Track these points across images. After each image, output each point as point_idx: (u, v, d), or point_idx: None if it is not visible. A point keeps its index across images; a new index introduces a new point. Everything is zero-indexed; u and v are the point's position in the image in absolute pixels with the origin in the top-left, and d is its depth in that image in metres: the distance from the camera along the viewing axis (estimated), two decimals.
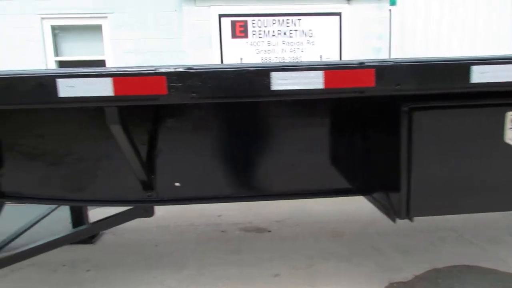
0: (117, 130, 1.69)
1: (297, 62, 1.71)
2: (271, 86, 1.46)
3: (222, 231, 3.78)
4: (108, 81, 1.43)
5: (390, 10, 7.07)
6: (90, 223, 2.20)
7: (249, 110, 2.04)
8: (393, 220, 1.91)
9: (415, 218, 2.08)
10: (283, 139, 2.11)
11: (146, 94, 1.45)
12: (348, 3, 6.83)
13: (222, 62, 6.81)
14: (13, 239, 2.43)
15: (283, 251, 3.27)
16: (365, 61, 1.47)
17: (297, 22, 6.84)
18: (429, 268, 2.89)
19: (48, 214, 3.00)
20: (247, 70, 1.46)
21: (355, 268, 2.96)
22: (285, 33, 6.86)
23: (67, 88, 1.43)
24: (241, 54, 6.80)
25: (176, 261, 3.14)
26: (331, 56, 6.91)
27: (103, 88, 1.43)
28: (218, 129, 2.05)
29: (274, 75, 1.45)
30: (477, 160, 1.73)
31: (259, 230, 3.79)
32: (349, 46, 6.96)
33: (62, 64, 7.33)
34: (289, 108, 2.09)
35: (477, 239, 3.40)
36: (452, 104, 1.65)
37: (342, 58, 6.92)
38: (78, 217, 3.51)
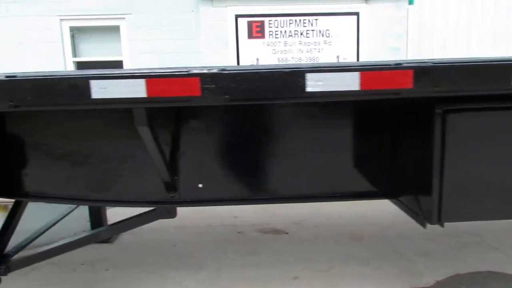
0: (144, 131, 1.69)
1: (333, 63, 1.68)
2: (306, 88, 1.43)
3: (239, 232, 3.76)
4: (141, 82, 1.42)
5: (407, 9, 6.96)
6: (112, 224, 2.19)
7: (271, 111, 2.02)
8: (423, 226, 1.86)
9: None
10: (306, 141, 2.08)
11: (179, 96, 1.44)
12: (366, 3, 6.75)
13: (238, 63, 6.80)
14: (35, 238, 2.45)
15: (301, 253, 3.24)
16: (402, 62, 1.43)
17: (314, 22, 6.78)
18: (451, 274, 2.82)
19: (69, 213, 3.02)
20: (282, 72, 1.43)
21: (375, 272, 2.91)
22: (302, 33, 6.81)
23: (100, 90, 1.43)
24: (258, 54, 6.78)
25: (194, 262, 3.14)
26: (348, 57, 6.84)
27: (136, 89, 1.42)
28: (240, 130, 2.02)
29: (309, 76, 1.42)
30: None
31: (276, 231, 3.77)
32: (366, 46, 6.87)
33: (79, 65, 7.41)
34: (312, 109, 2.06)
35: (500, 245, 3.31)
36: (489, 106, 1.60)
37: (360, 59, 6.84)
38: (97, 216, 3.54)
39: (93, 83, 1.43)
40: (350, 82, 1.43)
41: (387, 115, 2.02)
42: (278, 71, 1.44)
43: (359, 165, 2.09)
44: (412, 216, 1.98)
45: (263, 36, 6.79)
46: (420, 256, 3.15)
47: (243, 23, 6.74)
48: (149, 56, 7.03)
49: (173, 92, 1.44)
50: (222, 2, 6.65)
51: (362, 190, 2.13)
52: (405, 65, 1.42)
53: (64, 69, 7.12)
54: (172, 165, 1.95)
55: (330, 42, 6.84)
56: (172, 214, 2.07)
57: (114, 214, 3.59)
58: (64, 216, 2.95)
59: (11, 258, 2.17)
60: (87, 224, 3.84)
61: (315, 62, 6.74)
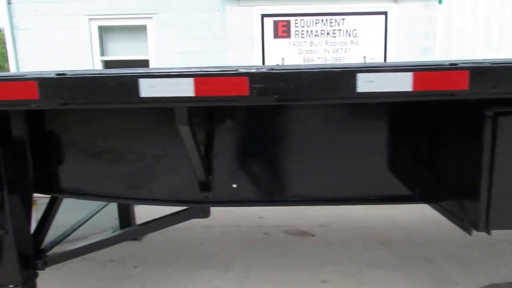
0: (185, 130, 1.68)
1: (385, 63, 1.64)
2: (356, 88, 1.40)
3: (265, 233, 3.74)
4: (190, 81, 1.41)
5: (437, 9, 6.81)
6: (146, 222, 2.21)
7: (306, 113, 1.99)
8: (469, 232, 1.80)
9: None
10: (340, 142, 2.04)
11: (226, 95, 1.43)
12: (395, 2, 6.63)
13: (263, 62, 6.79)
14: (70, 233, 2.50)
15: (329, 256, 3.19)
16: (458, 62, 1.38)
17: (341, 21, 6.71)
18: (487, 283, 2.73)
19: (101, 209, 3.07)
20: (332, 71, 1.40)
21: (406, 278, 2.84)
22: (328, 33, 6.75)
23: (148, 88, 1.42)
24: (283, 54, 6.75)
25: (222, 262, 3.13)
26: (375, 57, 6.74)
27: (185, 88, 1.41)
28: (275, 131, 2.00)
29: (360, 76, 1.39)
30: None
31: (303, 233, 3.73)
32: (394, 46, 6.76)
33: (107, 63, 7.54)
34: (347, 110, 2.02)
35: None
36: None
37: (387, 59, 6.73)
38: (125, 214, 3.57)
39: (142, 82, 1.43)
40: (403, 83, 1.38)
41: (424, 116, 1.96)
42: (328, 70, 1.41)
43: (394, 168, 2.04)
44: (455, 222, 1.91)
45: (289, 36, 6.76)
46: (451, 263, 3.05)
47: (269, 22, 6.72)
48: (175, 55, 7.09)
49: (221, 91, 1.43)
50: (249, 2, 6.65)
51: (397, 193, 2.07)
52: (461, 65, 1.37)
53: (92, 68, 7.27)
54: (207, 165, 1.94)
55: (357, 42, 6.75)
56: (205, 214, 2.06)
57: (141, 212, 3.64)
58: (97, 212, 3.00)
59: (47, 253, 2.21)
60: (115, 221, 3.89)
61: (342, 62, 6.67)
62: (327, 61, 6.76)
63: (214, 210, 4.11)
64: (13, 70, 7.49)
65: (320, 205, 2.13)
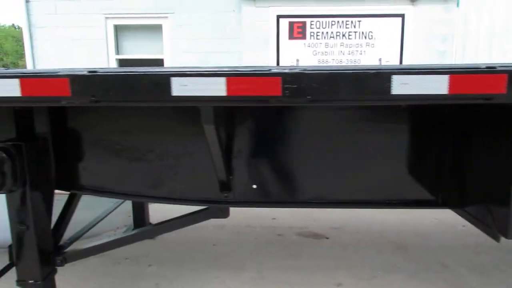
0: (210, 130, 1.68)
1: (420, 65, 1.62)
2: (391, 90, 1.39)
3: (279, 235, 3.73)
4: (222, 80, 1.41)
5: (455, 12, 6.72)
6: (165, 221, 2.21)
7: (329, 114, 1.98)
8: (497, 239, 1.76)
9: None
10: (362, 145, 2.02)
11: (258, 95, 1.42)
12: (413, 4, 6.56)
13: (278, 63, 6.78)
14: (88, 230, 2.52)
15: (344, 259, 3.18)
16: (496, 65, 1.35)
17: (357, 23, 6.67)
18: None
19: (117, 206, 3.09)
20: (367, 73, 1.39)
21: (421, 283, 2.81)
22: (344, 35, 6.71)
23: (180, 87, 1.42)
24: (298, 55, 6.73)
25: (236, 262, 3.13)
26: (391, 60, 6.68)
27: (216, 87, 1.41)
28: (297, 132, 1.99)
29: (395, 78, 1.37)
30: None
31: (317, 236, 3.71)
32: (411, 49, 6.69)
33: (121, 62, 7.60)
34: (369, 112, 1.99)
35: None
36: None
37: (403, 62, 6.66)
38: (139, 212, 3.58)
39: (174, 80, 1.43)
40: (438, 86, 1.36)
41: (449, 118, 1.93)
42: (363, 72, 1.40)
43: (416, 172, 2.01)
44: (481, 229, 1.88)
45: (304, 37, 6.73)
46: (469, 270, 3.01)
47: (284, 23, 6.71)
48: (190, 55, 7.12)
49: (253, 91, 1.42)
50: (265, 3, 6.64)
51: (418, 198, 2.05)
52: (499, 68, 1.34)
53: (107, 66, 7.33)
54: (228, 165, 1.94)
55: (373, 44, 6.70)
56: (225, 214, 2.06)
57: (154, 210, 3.66)
58: (113, 210, 3.02)
59: (66, 250, 2.23)
60: (129, 219, 3.92)
61: (357, 64, 6.62)
62: (342, 63, 6.71)
63: None
64: (29, 67, 7.59)
65: (341, 207, 2.11)
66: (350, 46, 6.74)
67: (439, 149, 1.97)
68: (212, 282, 2.82)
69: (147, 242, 3.50)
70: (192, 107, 1.77)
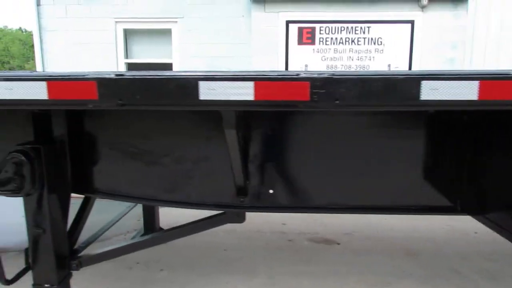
0: (231, 134, 1.68)
1: (450, 70, 1.61)
2: (420, 96, 1.38)
3: (290, 240, 3.72)
4: (250, 85, 1.40)
5: (465, 18, 6.71)
6: (181, 226, 2.21)
7: (345, 120, 1.97)
8: None
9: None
10: (379, 150, 2.01)
11: (286, 100, 1.41)
12: (422, 11, 6.57)
13: (286, 68, 6.79)
14: (101, 233, 2.52)
15: (356, 266, 3.15)
16: None
17: (366, 29, 6.67)
18: None
19: (130, 210, 3.09)
20: (396, 78, 1.38)
21: None
22: (353, 41, 6.72)
23: (208, 91, 1.42)
24: (307, 61, 6.74)
25: (247, 268, 3.12)
26: (400, 66, 6.67)
27: (244, 92, 1.40)
28: (314, 137, 1.98)
29: (425, 83, 1.37)
30: None
31: (328, 241, 3.69)
32: (420, 55, 6.68)
33: (130, 66, 7.64)
34: (387, 118, 1.99)
35: None
36: None
37: (412, 68, 6.66)
38: (150, 216, 3.57)
39: (202, 84, 1.43)
40: (468, 91, 1.35)
41: (466, 124, 1.91)
42: (392, 77, 1.39)
43: (434, 178, 2.00)
44: (505, 236, 1.85)
45: (313, 43, 6.74)
46: (482, 276, 2.98)
47: (294, 29, 6.72)
48: (199, 59, 7.15)
49: (280, 96, 1.41)
50: (275, 8, 6.67)
51: (436, 204, 2.03)
52: None
53: (116, 70, 7.37)
54: (245, 169, 1.94)
55: (382, 50, 6.70)
56: (241, 219, 2.06)
57: (163, 215, 3.66)
58: (126, 214, 3.02)
59: (81, 254, 2.23)
60: (138, 223, 3.92)
61: (366, 69, 6.62)
62: (351, 69, 6.71)
63: None
64: (39, 70, 7.65)
65: (357, 213, 2.10)
66: (359, 52, 6.74)
67: (458, 154, 1.95)
68: (224, 287, 2.81)
69: (157, 247, 3.46)
70: (209, 111, 1.77)
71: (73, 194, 2.26)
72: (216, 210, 2.09)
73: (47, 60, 7.57)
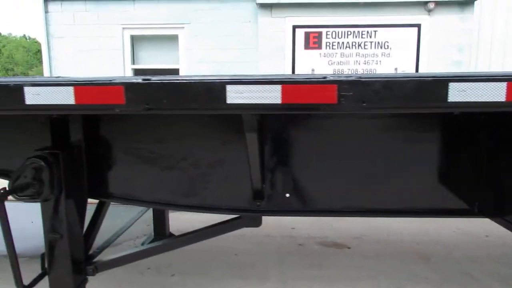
0: (252, 138, 1.68)
1: (477, 72, 1.61)
2: (448, 98, 1.39)
3: (300, 245, 3.71)
4: (278, 88, 1.41)
5: (472, 21, 6.71)
6: (197, 230, 2.21)
7: (361, 123, 1.98)
8: None
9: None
10: (395, 153, 2.01)
11: (313, 103, 1.42)
12: (429, 15, 6.58)
13: (293, 73, 6.81)
14: (115, 239, 2.53)
15: (367, 270, 3.14)
16: None
17: (373, 33, 6.69)
18: None
19: (142, 215, 3.10)
20: (424, 80, 1.39)
21: None
22: (359, 45, 6.74)
23: (235, 95, 1.43)
24: (313, 65, 6.75)
25: (258, 272, 3.11)
26: (407, 69, 6.67)
27: (272, 95, 1.41)
28: (330, 141, 1.99)
29: (452, 85, 1.38)
30: None
31: (338, 245, 3.68)
32: (427, 58, 6.68)
33: (137, 72, 7.68)
34: (403, 120, 1.99)
35: None
36: None
37: (419, 71, 6.66)
38: (160, 220, 3.59)
39: (229, 88, 1.43)
40: (496, 93, 1.36)
41: (483, 125, 1.91)
42: (419, 79, 1.39)
43: (451, 180, 1.99)
44: None
45: (319, 47, 6.76)
46: (496, 280, 2.96)
47: (300, 33, 6.75)
48: (206, 64, 7.18)
49: (307, 99, 1.41)
50: (281, 13, 6.70)
51: (452, 207, 2.02)
52: None
53: (123, 75, 7.41)
54: (262, 173, 1.94)
55: (388, 54, 6.71)
56: (257, 223, 2.05)
57: (173, 219, 3.67)
58: (138, 218, 3.03)
59: (96, 259, 2.23)
60: (147, 228, 3.93)
61: (373, 72, 6.63)
62: (358, 73, 6.72)
63: None
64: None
65: (373, 216, 2.10)
66: (366, 56, 6.75)
67: (475, 156, 1.95)
68: None
69: (168, 252, 3.50)
70: (225, 115, 1.78)
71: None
72: (232, 214, 2.09)
73: (55, 67, 7.63)
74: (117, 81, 1.48)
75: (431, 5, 6.45)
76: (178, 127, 2.04)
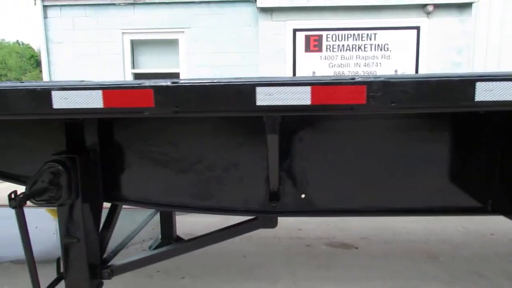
0: (273, 140, 1.70)
1: (504, 71, 1.65)
2: (475, 97, 1.42)
3: (308, 246, 3.72)
4: (307, 89, 1.43)
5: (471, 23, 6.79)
6: (212, 232, 2.21)
7: (376, 123, 2.00)
8: None
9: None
10: (409, 152, 2.03)
11: (342, 104, 1.44)
12: (428, 17, 6.65)
13: (294, 75, 6.84)
14: (128, 242, 2.52)
15: (376, 270, 3.15)
16: None
17: (373, 36, 6.75)
18: None
19: (152, 217, 3.10)
20: (451, 80, 1.42)
21: None
22: (360, 47, 6.79)
23: (265, 97, 1.44)
24: (314, 68, 6.79)
25: (268, 274, 3.11)
26: (407, 71, 6.73)
27: (301, 97, 1.43)
28: (345, 141, 2.00)
29: (479, 85, 1.41)
30: None
31: (346, 246, 3.70)
32: (426, 60, 6.75)
33: (137, 76, 7.68)
34: (417, 121, 2.01)
35: None
36: None
37: (419, 73, 6.72)
38: (168, 223, 3.57)
39: (259, 90, 1.45)
40: None
41: (497, 124, 1.93)
42: (447, 79, 1.42)
43: (464, 179, 2.02)
44: None
45: (320, 50, 6.81)
46: (507, 279, 2.98)
47: (301, 37, 6.79)
48: (206, 68, 7.20)
49: (337, 100, 1.43)
50: (282, 17, 6.74)
51: (465, 205, 2.04)
52: None
53: (123, 79, 7.41)
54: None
55: (388, 56, 6.77)
56: (273, 224, 2.06)
57: (180, 222, 3.66)
58: (148, 221, 3.02)
59: (110, 263, 2.23)
60: (153, 232, 3.92)
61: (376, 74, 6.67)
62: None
63: None
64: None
65: (388, 216, 2.11)
66: (366, 58, 6.81)
67: (488, 154, 1.97)
68: None
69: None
70: (243, 117, 1.79)
71: None
72: (248, 215, 2.10)
73: (54, 72, 7.61)
74: (146, 84, 1.49)
75: (430, 8, 6.52)
76: (193, 129, 2.05)
